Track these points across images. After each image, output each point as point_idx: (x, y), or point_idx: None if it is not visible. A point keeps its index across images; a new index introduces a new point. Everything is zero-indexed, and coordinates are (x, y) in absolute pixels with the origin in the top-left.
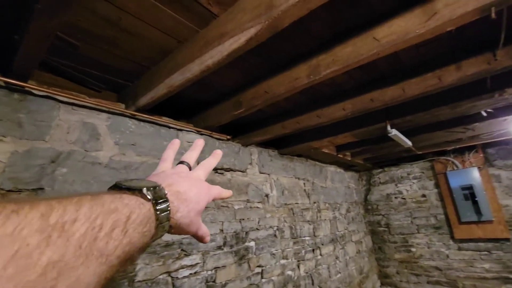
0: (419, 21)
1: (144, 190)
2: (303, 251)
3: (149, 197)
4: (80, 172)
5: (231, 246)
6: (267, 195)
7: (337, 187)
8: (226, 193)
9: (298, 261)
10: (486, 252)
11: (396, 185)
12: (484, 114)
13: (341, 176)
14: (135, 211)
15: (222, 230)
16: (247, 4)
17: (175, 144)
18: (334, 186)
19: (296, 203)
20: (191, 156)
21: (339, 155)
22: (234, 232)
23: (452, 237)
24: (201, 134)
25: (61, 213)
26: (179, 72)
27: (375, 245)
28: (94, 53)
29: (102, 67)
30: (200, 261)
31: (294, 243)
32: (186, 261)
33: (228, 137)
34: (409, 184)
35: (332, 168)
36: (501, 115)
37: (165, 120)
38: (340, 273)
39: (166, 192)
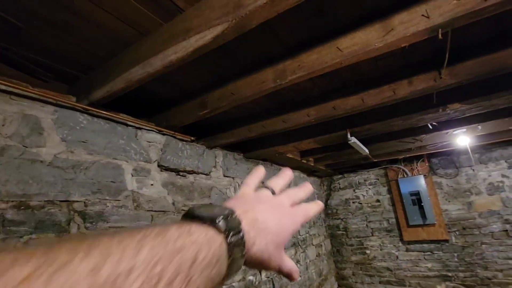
0: (378, 35)
1: (217, 220)
2: None
3: (222, 229)
4: (15, 171)
5: None
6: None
7: None
8: (315, 208)
9: None
10: (429, 253)
11: (354, 190)
12: (430, 126)
13: (304, 181)
14: (203, 249)
15: None
16: (215, 1)
17: (261, 171)
18: None
19: None
20: (277, 183)
21: (303, 161)
22: None
23: (401, 239)
24: (163, 134)
25: (116, 261)
26: (140, 65)
27: (334, 248)
28: (41, 38)
29: (51, 55)
30: None
31: None
32: None
33: (192, 138)
34: (366, 190)
35: (296, 173)
36: (444, 128)
37: (122, 117)
38: (300, 276)
39: (241, 220)
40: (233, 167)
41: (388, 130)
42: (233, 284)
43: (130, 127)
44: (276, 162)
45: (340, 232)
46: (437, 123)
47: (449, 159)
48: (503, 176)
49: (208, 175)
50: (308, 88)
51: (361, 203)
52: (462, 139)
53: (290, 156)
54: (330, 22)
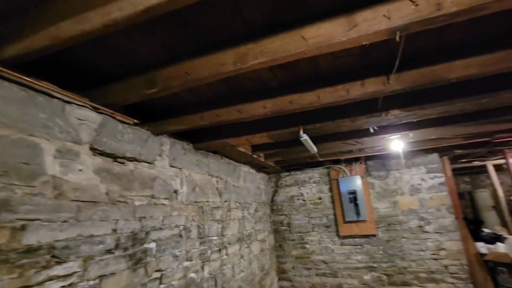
0: (342, 29)
1: None
2: (209, 252)
3: None
4: None
5: (125, 249)
6: (176, 191)
7: (249, 187)
8: None
9: (203, 262)
10: (360, 246)
11: (299, 188)
12: (372, 130)
13: (253, 177)
14: None
15: (115, 230)
16: None
17: None
18: (246, 185)
19: (206, 201)
20: None
21: (253, 155)
22: (132, 232)
23: (338, 234)
24: (100, 113)
25: None
26: (72, 20)
27: (277, 243)
28: None
29: None
30: (79, 269)
31: (201, 243)
32: (58, 270)
33: (136, 121)
34: (310, 188)
35: (245, 168)
36: (382, 133)
37: (46, 85)
38: (243, 271)
39: None
40: (181, 157)
41: (337, 130)
42: (173, 283)
43: (55, 99)
44: (226, 155)
45: (283, 227)
46: (378, 127)
47: (382, 162)
48: (422, 179)
49: (151, 163)
50: (267, 78)
51: (304, 200)
52: (396, 144)
53: (242, 150)
54: (298, 8)
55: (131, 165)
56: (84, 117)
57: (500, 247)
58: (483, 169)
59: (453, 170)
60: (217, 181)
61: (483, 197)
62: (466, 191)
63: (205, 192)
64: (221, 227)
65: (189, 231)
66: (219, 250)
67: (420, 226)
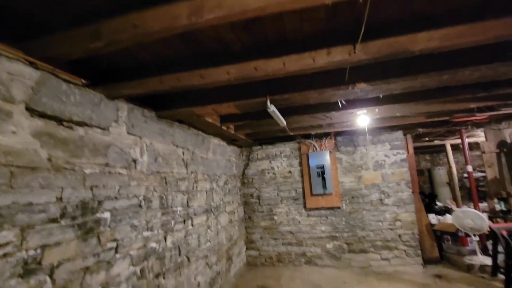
0: None
1: None
2: (172, 222)
3: None
4: None
5: (74, 218)
6: (134, 160)
7: (218, 159)
8: None
9: (166, 232)
10: (325, 218)
11: (270, 161)
12: (340, 105)
13: (224, 149)
14: None
15: (60, 199)
16: None
17: None
18: (215, 158)
19: (171, 172)
20: None
21: (223, 127)
22: (81, 201)
23: (305, 207)
24: (37, 68)
25: None
26: None
27: (246, 215)
28: None
29: None
30: (15, 239)
31: (163, 213)
32: None
33: (84, 81)
34: (280, 162)
35: (215, 140)
36: (349, 108)
37: None
38: (210, 241)
39: None
40: (141, 125)
41: (305, 102)
42: (131, 252)
43: None
44: (194, 125)
45: (253, 200)
46: (346, 102)
47: (350, 138)
48: (386, 156)
49: (105, 130)
50: (230, 40)
51: (275, 174)
52: (363, 119)
53: (210, 120)
54: None
55: (80, 130)
56: (17, 72)
57: (448, 218)
58: (442, 148)
59: (416, 148)
60: (183, 152)
61: (440, 174)
62: (426, 168)
63: (169, 162)
64: (186, 198)
65: (150, 202)
66: (184, 221)
67: (380, 199)
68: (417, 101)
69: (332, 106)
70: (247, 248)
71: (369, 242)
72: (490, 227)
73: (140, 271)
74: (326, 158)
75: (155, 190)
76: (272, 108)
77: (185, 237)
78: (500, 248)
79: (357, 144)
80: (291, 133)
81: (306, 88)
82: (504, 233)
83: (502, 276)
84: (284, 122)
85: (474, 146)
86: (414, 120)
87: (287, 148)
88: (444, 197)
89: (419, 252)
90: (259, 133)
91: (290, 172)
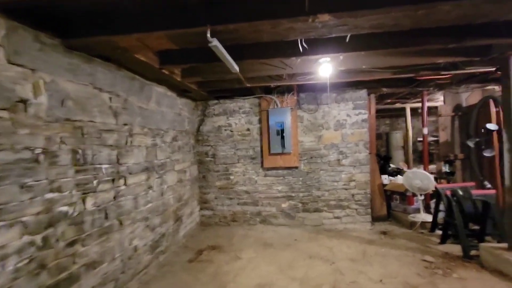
0: None
1: None
2: (95, 182)
3: None
4: None
5: None
6: (24, 101)
7: (165, 111)
8: None
9: (85, 193)
10: (282, 178)
11: (227, 118)
12: (300, 48)
13: (172, 101)
14: None
15: None
16: None
17: None
18: (160, 110)
19: (90, 121)
20: None
21: (164, 71)
22: None
23: (262, 166)
24: None
25: None
26: None
27: (200, 174)
28: None
29: None
30: None
31: (79, 171)
32: None
33: None
34: (239, 118)
35: (160, 89)
36: (312, 52)
37: None
38: (151, 202)
39: None
40: (35, 53)
41: (257, 39)
42: (23, 219)
43: None
44: (127, 66)
45: (208, 158)
46: (307, 44)
47: (314, 95)
48: (347, 115)
49: None
50: None
51: (232, 131)
52: (326, 68)
53: (143, 59)
54: None
55: None
56: None
57: (399, 179)
58: (401, 113)
59: (377, 112)
60: (110, 98)
61: (396, 137)
62: (385, 132)
63: (87, 109)
64: (116, 154)
65: (55, 156)
66: (113, 180)
67: (338, 160)
68: (385, 48)
69: (291, 50)
70: (201, 208)
71: (323, 202)
72: (435, 187)
73: (43, 240)
74: (287, 116)
75: (63, 142)
76: (214, 43)
77: (115, 198)
78: (441, 207)
79: (320, 102)
80: (248, 85)
81: (257, 17)
82: (448, 193)
83: (439, 232)
84: (236, 67)
85: (431, 111)
86: (380, 75)
87: (246, 103)
88: (398, 160)
89: (369, 210)
90: (212, 83)
91: (248, 129)
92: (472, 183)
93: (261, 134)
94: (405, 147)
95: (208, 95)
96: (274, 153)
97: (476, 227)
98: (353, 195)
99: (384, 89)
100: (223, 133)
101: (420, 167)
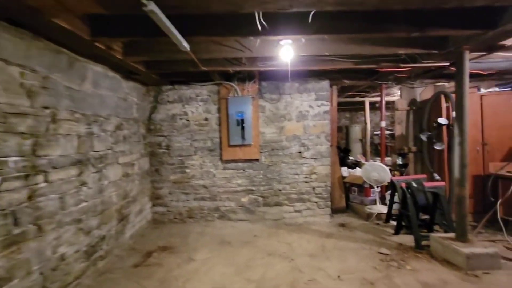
0: None
1: None
2: None
3: None
4: None
5: None
6: None
7: (105, 95)
8: None
9: None
10: (241, 171)
11: (183, 105)
12: (259, 25)
13: (116, 84)
14: None
15: None
16: None
17: None
18: (98, 93)
19: None
20: None
21: (97, 44)
22: None
23: (221, 159)
24: None
25: None
26: None
27: (153, 167)
28: None
29: None
30: None
31: None
32: None
33: None
34: (196, 106)
35: (99, 69)
36: (272, 33)
37: None
38: (86, 201)
39: None
40: None
41: (204, 7)
42: None
43: None
44: (47, 35)
45: (162, 150)
46: (266, 22)
47: (276, 84)
48: (310, 106)
49: None
50: None
51: (189, 120)
52: (287, 51)
53: (67, 26)
54: None
55: None
56: None
57: (357, 171)
58: (361, 107)
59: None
60: (22, 72)
61: (355, 131)
62: (345, 125)
63: None
64: (31, 144)
65: None
66: (26, 176)
67: (300, 152)
68: (349, 32)
69: (248, 28)
70: (153, 205)
71: (284, 195)
72: (391, 179)
73: None
74: (248, 105)
75: None
76: (151, 7)
77: (30, 198)
78: (395, 198)
79: (283, 91)
80: (204, 68)
81: None
82: (403, 185)
83: (393, 222)
84: (186, 44)
85: (389, 106)
86: (343, 65)
87: (204, 90)
88: (356, 152)
89: (329, 203)
90: (163, 65)
91: (206, 119)
92: (424, 175)
93: (220, 124)
94: (363, 140)
95: (161, 79)
96: (233, 145)
97: (426, 216)
98: (313, 188)
99: (346, 81)
100: (179, 122)
101: (377, 159)
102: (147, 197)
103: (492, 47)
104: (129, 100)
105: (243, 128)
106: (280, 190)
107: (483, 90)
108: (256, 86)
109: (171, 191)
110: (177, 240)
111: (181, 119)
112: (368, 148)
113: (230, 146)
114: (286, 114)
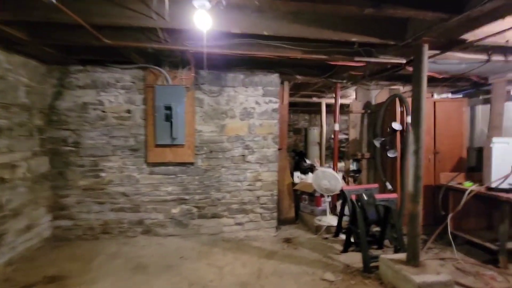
0: None
1: None
2: None
3: None
4: None
5: None
6: None
7: None
8: None
9: None
10: (173, 176)
11: (98, 92)
12: None
13: None
14: None
15: None
16: None
17: None
18: None
19: None
20: None
21: None
22: None
23: (147, 161)
24: None
25: None
26: None
27: (54, 170)
28: None
29: None
30: None
31: None
32: None
33: None
34: (115, 95)
35: None
36: None
37: None
38: None
39: None
40: None
41: None
42: None
43: None
44: None
45: (68, 148)
46: None
47: (217, 75)
48: (256, 102)
49: None
50: None
51: (105, 112)
52: (202, 16)
53: None
54: None
55: None
56: None
57: (310, 177)
58: (319, 109)
59: (296, 105)
60: None
61: (313, 133)
62: (304, 127)
63: None
64: None
65: None
66: None
67: (243, 155)
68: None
69: None
70: (54, 218)
71: (224, 205)
72: (341, 189)
73: None
74: (180, 97)
75: None
76: None
77: None
78: (346, 210)
79: (225, 84)
80: (108, 41)
81: None
82: (353, 197)
83: (343, 236)
84: None
85: (345, 110)
86: (290, 53)
87: (127, 75)
88: (314, 156)
89: (275, 215)
90: (51, 32)
91: (129, 111)
92: (376, 185)
93: (146, 118)
94: (320, 144)
95: (66, 56)
96: (161, 144)
97: (377, 228)
98: (258, 197)
99: (299, 77)
100: (91, 114)
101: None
102: (43, 208)
103: (452, 42)
104: (13, 80)
105: (171, 124)
106: (219, 200)
107: (436, 96)
108: (192, 74)
109: (80, 200)
110: (77, 265)
111: (95, 109)
112: (324, 152)
113: (157, 146)
114: (228, 111)
